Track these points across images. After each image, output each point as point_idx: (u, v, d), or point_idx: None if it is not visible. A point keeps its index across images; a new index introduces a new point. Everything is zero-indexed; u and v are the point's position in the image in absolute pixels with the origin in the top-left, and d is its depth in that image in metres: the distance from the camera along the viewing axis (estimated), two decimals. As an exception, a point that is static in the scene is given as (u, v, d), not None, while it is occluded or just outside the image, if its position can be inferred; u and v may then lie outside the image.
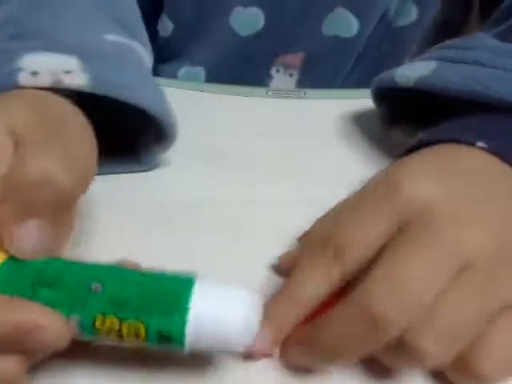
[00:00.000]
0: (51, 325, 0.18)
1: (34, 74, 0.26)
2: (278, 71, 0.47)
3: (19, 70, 0.26)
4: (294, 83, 0.47)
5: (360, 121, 0.37)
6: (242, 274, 0.26)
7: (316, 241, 0.23)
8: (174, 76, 0.47)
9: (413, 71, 0.31)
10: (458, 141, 0.25)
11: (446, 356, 0.20)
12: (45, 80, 0.26)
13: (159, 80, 0.39)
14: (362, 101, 0.37)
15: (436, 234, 0.21)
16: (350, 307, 0.20)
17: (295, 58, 0.46)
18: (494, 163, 0.24)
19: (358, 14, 0.44)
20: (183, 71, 0.47)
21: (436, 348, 0.19)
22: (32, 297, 0.19)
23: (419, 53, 0.49)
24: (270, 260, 0.26)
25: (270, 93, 0.40)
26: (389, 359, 0.21)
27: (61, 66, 0.27)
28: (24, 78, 0.25)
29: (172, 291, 0.19)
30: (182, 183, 0.31)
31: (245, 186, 0.31)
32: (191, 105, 0.38)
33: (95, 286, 0.19)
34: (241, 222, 0.29)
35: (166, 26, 0.45)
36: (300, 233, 0.25)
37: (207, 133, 0.35)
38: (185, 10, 0.44)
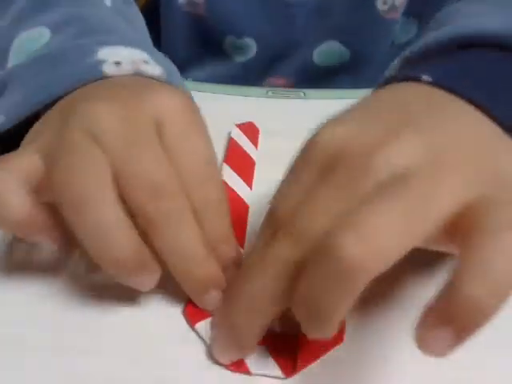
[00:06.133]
0: None
1: (118, 64, 0.28)
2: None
3: (102, 61, 0.28)
4: None
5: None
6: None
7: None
8: None
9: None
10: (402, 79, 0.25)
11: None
12: (127, 69, 0.28)
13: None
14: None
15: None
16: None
17: (284, 81, 0.47)
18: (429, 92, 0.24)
19: (349, 45, 0.45)
20: None
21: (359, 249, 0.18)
22: None
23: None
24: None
25: (269, 93, 0.40)
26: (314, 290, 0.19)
27: (139, 57, 0.29)
28: (109, 69, 0.27)
29: None
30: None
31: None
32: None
33: None
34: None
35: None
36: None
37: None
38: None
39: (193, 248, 0.23)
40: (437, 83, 0.24)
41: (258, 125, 0.36)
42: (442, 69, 0.25)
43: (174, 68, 0.31)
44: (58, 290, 0.25)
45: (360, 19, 0.45)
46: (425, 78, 0.24)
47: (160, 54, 0.31)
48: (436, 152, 0.20)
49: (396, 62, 0.29)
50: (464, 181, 0.19)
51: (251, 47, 0.46)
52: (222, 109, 0.37)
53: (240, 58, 0.47)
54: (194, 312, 0.24)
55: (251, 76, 0.47)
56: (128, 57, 0.28)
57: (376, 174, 0.19)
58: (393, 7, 0.44)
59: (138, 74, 0.28)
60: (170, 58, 0.36)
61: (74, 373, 0.21)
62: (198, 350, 0.22)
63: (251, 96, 0.39)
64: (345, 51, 0.46)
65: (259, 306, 0.21)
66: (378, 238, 0.18)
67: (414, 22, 0.46)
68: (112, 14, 0.34)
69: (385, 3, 0.44)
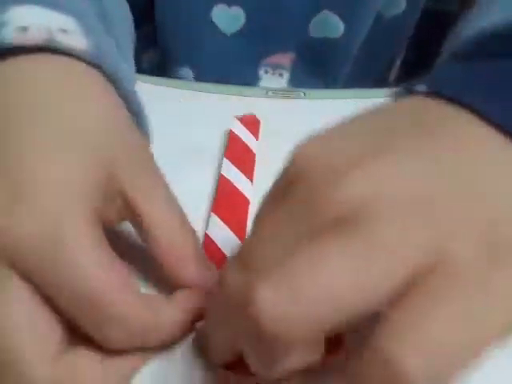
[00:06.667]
0: None
1: (23, 29, 0.21)
2: (266, 72, 0.46)
3: (4, 23, 0.21)
4: (286, 83, 0.46)
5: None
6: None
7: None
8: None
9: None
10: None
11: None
12: (35, 36, 0.21)
13: (158, 80, 0.39)
14: (362, 101, 0.37)
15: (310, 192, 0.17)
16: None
17: (284, 58, 0.45)
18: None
19: (343, 17, 0.43)
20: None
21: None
22: None
23: (410, 47, 0.48)
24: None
25: (270, 93, 0.40)
26: None
27: (56, 23, 0.22)
28: (8, 34, 0.21)
29: None
30: (182, 183, 0.31)
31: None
32: (191, 105, 0.38)
33: None
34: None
35: (165, 40, 0.44)
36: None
37: (207, 133, 0.35)
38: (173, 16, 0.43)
39: None
40: (434, 93, 0.19)
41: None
42: (445, 74, 0.21)
43: (112, 50, 0.25)
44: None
45: None
46: (419, 88, 0.20)
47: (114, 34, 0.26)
48: (414, 189, 0.16)
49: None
50: (440, 235, 0.16)
51: (239, 17, 0.43)
52: (222, 109, 0.37)
53: (230, 30, 0.44)
54: None
55: (245, 53, 0.44)
56: (42, 22, 0.22)
57: (334, 205, 0.16)
58: None
59: (50, 45, 0.22)
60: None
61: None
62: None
63: (251, 96, 0.39)
64: (339, 23, 0.43)
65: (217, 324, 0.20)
66: (308, 298, 0.15)
67: None
68: None
69: None
